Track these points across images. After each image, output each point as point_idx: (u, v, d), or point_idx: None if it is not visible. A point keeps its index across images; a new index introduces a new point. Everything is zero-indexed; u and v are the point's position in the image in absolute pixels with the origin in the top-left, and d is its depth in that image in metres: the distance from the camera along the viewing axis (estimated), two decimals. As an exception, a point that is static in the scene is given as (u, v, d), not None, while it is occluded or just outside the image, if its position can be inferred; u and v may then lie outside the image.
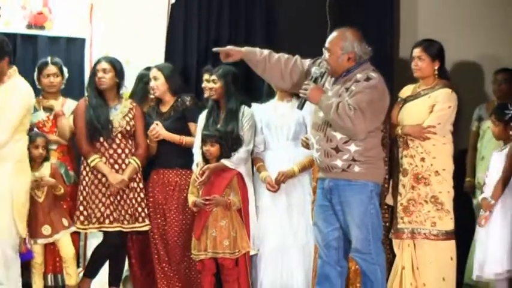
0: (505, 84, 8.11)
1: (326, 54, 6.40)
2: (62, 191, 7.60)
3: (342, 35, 6.37)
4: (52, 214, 7.57)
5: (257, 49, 6.61)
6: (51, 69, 8.03)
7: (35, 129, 7.79)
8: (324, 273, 6.51)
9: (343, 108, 6.10)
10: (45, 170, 7.58)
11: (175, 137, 7.86)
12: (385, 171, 6.77)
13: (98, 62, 7.85)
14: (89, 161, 7.67)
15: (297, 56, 6.62)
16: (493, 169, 7.10)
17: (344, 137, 6.25)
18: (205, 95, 8.10)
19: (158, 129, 7.79)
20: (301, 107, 6.43)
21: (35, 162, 7.52)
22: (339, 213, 6.38)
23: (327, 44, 6.40)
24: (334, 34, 6.42)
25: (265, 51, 6.60)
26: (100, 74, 7.75)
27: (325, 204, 6.44)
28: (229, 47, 6.55)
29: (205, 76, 8.11)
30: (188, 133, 7.94)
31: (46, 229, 7.53)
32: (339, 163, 6.28)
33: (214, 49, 6.64)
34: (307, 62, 6.61)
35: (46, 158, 7.63)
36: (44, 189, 7.53)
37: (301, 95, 6.39)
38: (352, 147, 6.25)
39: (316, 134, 6.40)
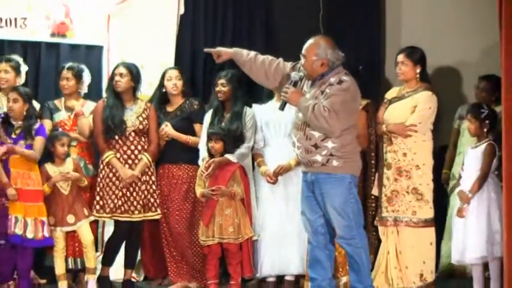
0: (485, 92, 8.05)
1: (302, 60, 6.46)
2: (86, 182, 7.68)
3: (316, 42, 6.43)
4: (75, 204, 7.64)
5: (244, 51, 6.69)
6: (65, 73, 8.05)
7: (59, 128, 7.86)
8: (314, 257, 6.56)
9: (318, 109, 6.17)
10: (69, 165, 7.66)
11: (182, 137, 7.93)
12: (361, 164, 6.69)
13: (117, 67, 7.92)
14: (103, 157, 7.74)
15: (280, 59, 6.67)
16: (468, 164, 7.10)
17: (321, 135, 6.31)
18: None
19: (167, 129, 7.87)
20: (282, 108, 6.51)
21: (58, 159, 7.62)
22: (320, 203, 6.43)
23: (303, 51, 6.46)
24: (309, 42, 6.47)
25: (252, 53, 6.68)
26: (117, 78, 7.81)
27: (309, 195, 6.51)
28: (219, 48, 6.67)
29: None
30: (193, 133, 8.00)
31: (70, 218, 7.60)
32: (318, 158, 6.35)
33: (206, 50, 6.75)
34: (289, 65, 6.66)
35: (68, 154, 7.70)
36: (69, 183, 7.60)
37: (282, 97, 6.48)
38: (330, 144, 6.31)
39: (297, 133, 6.47)
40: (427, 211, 7.21)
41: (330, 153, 6.33)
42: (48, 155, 7.66)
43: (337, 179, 6.35)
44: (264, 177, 7.77)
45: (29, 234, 7.37)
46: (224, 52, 6.67)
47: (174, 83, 8.10)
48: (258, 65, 6.65)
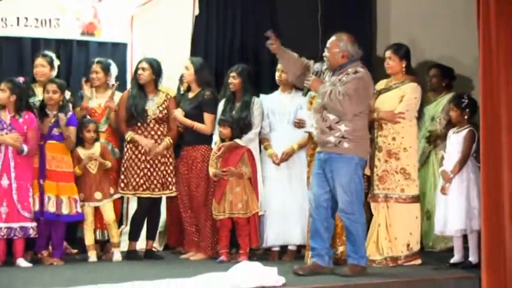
0: (436, 78, 8.12)
1: (326, 52, 6.66)
2: (109, 165, 7.73)
3: (339, 37, 6.66)
4: (102, 183, 7.72)
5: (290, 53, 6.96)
6: (94, 67, 8.12)
7: (88, 116, 7.92)
8: (315, 228, 6.65)
9: (334, 94, 6.38)
10: (97, 148, 7.72)
11: (187, 122, 7.90)
12: (370, 149, 6.86)
13: (140, 61, 7.97)
14: (125, 136, 7.83)
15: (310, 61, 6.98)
16: (450, 146, 7.13)
17: (336, 118, 6.47)
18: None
19: (176, 114, 7.89)
20: (305, 94, 6.84)
21: (87, 143, 7.71)
22: (330, 180, 6.54)
23: (327, 44, 6.68)
24: (333, 37, 6.69)
25: (295, 55, 6.99)
26: (140, 71, 7.88)
27: (320, 172, 6.61)
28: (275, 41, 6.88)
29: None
30: (202, 119, 7.95)
31: (98, 195, 7.68)
32: (331, 139, 6.49)
33: (268, 33, 6.91)
34: (312, 61, 6.96)
35: (97, 139, 7.76)
36: (96, 163, 7.67)
37: (304, 84, 6.70)
38: (343, 127, 6.47)
39: (315, 116, 6.63)
40: (413, 189, 7.26)
41: (342, 136, 6.49)
42: (80, 140, 7.74)
43: (346, 159, 6.49)
44: (270, 159, 7.81)
45: (64, 211, 7.45)
46: (277, 44, 6.91)
47: (183, 73, 8.16)
48: (292, 55, 6.94)
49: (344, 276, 6.39)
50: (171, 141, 7.90)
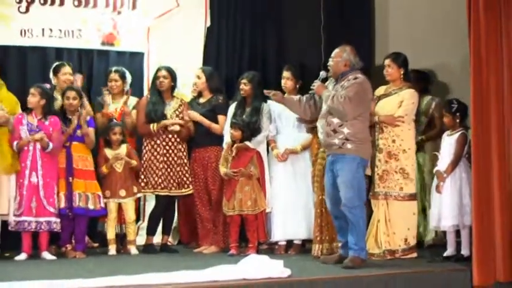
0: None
1: (331, 61, 6.76)
2: (135, 163, 7.78)
3: (343, 48, 6.78)
4: (127, 181, 7.77)
5: (292, 97, 7.19)
6: (113, 76, 8.14)
7: (114, 120, 7.97)
8: (339, 225, 6.77)
9: (336, 97, 6.51)
10: (122, 149, 7.78)
11: (205, 121, 7.98)
12: (371, 151, 6.89)
13: (159, 70, 8.01)
14: (150, 128, 7.85)
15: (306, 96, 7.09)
16: (444, 149, 7.12)
17: (339, 121, 6.55)
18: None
19: (194, 113, 7.99)
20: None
21: (114, 145, 7.77)
22: (337, 178, 6.61)
23: (332, 54, 6.80)
24: (338, 48, 6.80)
25: (296, 97, 7.28)
26: (161, 79, 7.94)
27: (330, 174, 6.71)
28: (276, 92, 7.14)
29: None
30: (216, 121, 8.02)
31: (122, 192, 7.73)
32: (336, 141, 6.58)
33: (266, 92, 7.15)
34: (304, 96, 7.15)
35: (123, 141, 7.82)
36: (122, 162, 7.72)
37: (311, 91, 6.83)
38: (345, 130, 6.56)
39: (321, 121, 6.71)
40: (411, 187, 7.28)
41: (345, 138, 6.57)
42: (107, 142, 7.82)
43: (349, 158, 6.56)
44: (276, 158, 7.83)
45: (90, 206, 7.51)
46: (279, 97, 7.17)
47: (196, 81, 8.20)
48: (293, 100, 7.21)
49: (346, 268, 6.41)
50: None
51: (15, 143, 7.33)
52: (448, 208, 6.95)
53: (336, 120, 6.60)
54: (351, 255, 6.57)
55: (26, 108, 7.52)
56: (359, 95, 6.59)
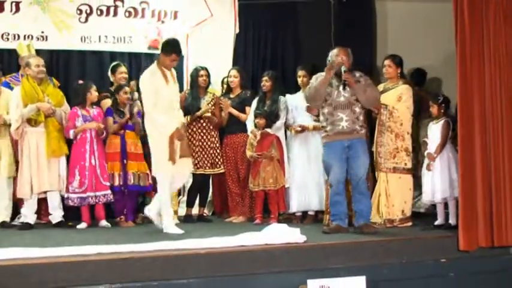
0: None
1: (340, 58, 6.56)
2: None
3: (347, 49, 6.66)
4: None
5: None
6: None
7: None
8: (336, 200, 6.60)
9: (372, 87, 6.65)
10: None
11: (234, 112, 7.96)
12: None
13: (198, 70, 7.95)
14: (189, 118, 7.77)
15: None
16: (432, 135, 7.05)
17: (360, 110, 6.55)
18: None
19: (228, 104, 7.98)
20: (343, 88, 6.51)
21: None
22: (353, 158, 6.50)
23: (341, 53, 6.59)
24: (341, 49, 6.65)
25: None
26: (204, 78, 7.91)
27: (343, 156, 6.53)
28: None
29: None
30: (245, 112, 8.00)
31: None
32: (358, 127, 6.53)
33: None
34: None
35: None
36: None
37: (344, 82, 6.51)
38: (361, 117, 6.57)
39: (344, 111, 6.52)
40: (410, 163, 7.23)
41: (361, 124, 6.57)
42: None
43: (364, 142, 6.60)
44: (294, 134, 7.79)
45: (142, 183, 7.50)
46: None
47: (231, 80, 8.14)
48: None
49: (367, 233, 6.35)
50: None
51: (71, 131, 7.33)
52: (439, 183, 6.87)
53: (358, 109, 6.55)
54: (363, 222, 6.52)
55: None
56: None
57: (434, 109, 7.08)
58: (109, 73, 8.12)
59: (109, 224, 7.37)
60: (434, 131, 7.04)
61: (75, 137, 7.37)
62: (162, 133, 6.61)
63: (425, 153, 7.08)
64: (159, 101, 6.61)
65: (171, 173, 6.67)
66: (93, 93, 7.51)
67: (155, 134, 6.66)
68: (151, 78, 6.70)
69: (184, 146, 6.76)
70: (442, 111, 7.03)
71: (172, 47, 6.81)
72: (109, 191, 7.36)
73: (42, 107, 7.22)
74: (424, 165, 7.08)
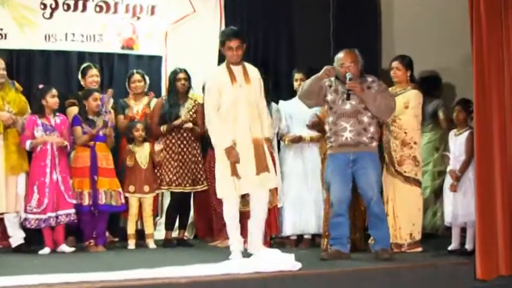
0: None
1: (348, 64, 6.56)
2: (159, 158, 7.75)
3: (355, 52, 6.65)
4: (150, 178, 7.75)
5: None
6: (136, 77, 8.14)
7: (136, 118, 7.98)
8: (337, 221, 6.57)
9: (386, 94, 6.60)
10: (146, 147, 7.77)
11: None
12: None
13: (178, 72, 7.92)
14: (161, 130, 7.77)
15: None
16: (454, 147, 7.06)
17: (369, 120, 6.52)
18: None
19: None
20: (348, 98, 6.50)
21: (137, 141, 7.73)
22: (359, 175, 6.49)
23: (347, 58, 6.59)
24: (349, 51, 6.65)
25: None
26: (183, 82, 7.87)
27: (347, 171, 6.52)
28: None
29: None
30: None
31: (146, 188, 7.70)
32: (365, 139, 6.50)
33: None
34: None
35: (145, 139, 7.79)
36: (147, 160, 7.70)
37: (349, 91, 6.48)
38: (371, 128, 6.55)
39: (349, 120, 6.52)
40: (419, 173, 7.20)
41: (371, 136, 6.54)
42: (131, 140, 7.82)
43: (374, 156, 6.55)
44: (286, 155, 7.83)
45: (113, 202, 7.47)
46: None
47: None
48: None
49: (387, 260, 6.34)
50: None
51: (28, 142, 7.24)
52: (461, 206, 6.92)
53: (366, 119, 6.52)
54: (382, 248, 6.50)
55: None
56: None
57: (462, 116, 7.10)
58: (79, 76, 8.12)
59: (70, 249, 7.29)
60: (459, 144, 7.04)
61: (33, 149, 7.30)
62: (217, 146, 6.57)
63: (448, 171, 7.10)
64: (222, 104, 6.49)
65: (236, 194, 6.61)
66: (49, 100, 7.36)
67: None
68: (214, 78, 6.62)
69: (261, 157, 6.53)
70: (469, 120, 7.00)
71: (223, 33, 6.69)
72: (73, 210, 7.27)
73: (1, 117, 7.14)
74: (446, 184, 7.09)
